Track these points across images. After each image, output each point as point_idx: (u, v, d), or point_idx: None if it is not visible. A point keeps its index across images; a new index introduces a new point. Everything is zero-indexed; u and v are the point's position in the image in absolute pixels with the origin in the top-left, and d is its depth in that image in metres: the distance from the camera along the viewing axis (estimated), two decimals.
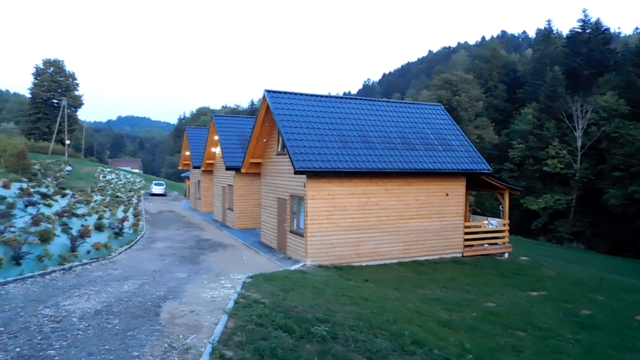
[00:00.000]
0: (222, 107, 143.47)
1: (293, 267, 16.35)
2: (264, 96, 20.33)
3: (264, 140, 21.53)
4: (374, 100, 23.35)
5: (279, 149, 20.03)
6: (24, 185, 25.59)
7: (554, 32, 78.09)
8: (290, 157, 17.12)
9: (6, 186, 23.07)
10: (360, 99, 22.93)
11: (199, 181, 37.62)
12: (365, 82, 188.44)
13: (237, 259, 18.16)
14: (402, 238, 18.82)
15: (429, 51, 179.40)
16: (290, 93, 20.75)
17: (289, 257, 18.39)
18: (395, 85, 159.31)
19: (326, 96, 23.03)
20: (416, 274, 17.04)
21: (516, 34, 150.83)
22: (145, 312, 9.19)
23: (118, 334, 7.63)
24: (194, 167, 37.12)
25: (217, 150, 30.66)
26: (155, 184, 56.43)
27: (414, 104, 24.09)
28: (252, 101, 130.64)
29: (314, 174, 17.04)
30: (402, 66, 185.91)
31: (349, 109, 21.06)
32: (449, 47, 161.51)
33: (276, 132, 20.23)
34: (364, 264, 17.86)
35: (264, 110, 20.45)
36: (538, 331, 11.68)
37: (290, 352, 6.82)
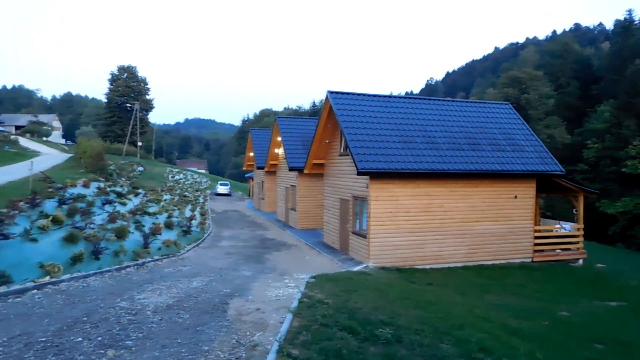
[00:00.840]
0: (284, 108, 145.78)
1: (355, 269, 16.33)
2: (326, 97, 20.46)
3: (327, 141, 21.65)
4: (438, 100, 22.88)
5: (342, 150, 20.07)
6: (101, 185, 27.22)
7: (635, 22, 72.94)
8: (353, 158, 17.11)
9: (86, 185, 24.64)
10: (424, 99, 22.56)
11: (262, 181, 38.43)
12: (427, 81, 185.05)
13: (300, 258, 18.38)
14: (467, 241, 18.29)
15: (495, 48, 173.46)
16: (353, 94, 20.75)
17: (351, 258, 18.38)
18: (459, 84, 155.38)
19: (389, 96, 22.84)
20: (482, 279, 16.51)
21: (591, 27, 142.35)
22: (213, 308, 9.49)
23: (189, 328, 7.93)
24: (258, 168, 37.95)
25: (280, 151, 31.18)
26: (221, 184, 58.25)
27: (480, 103, 23.38)
28: (314, 102, 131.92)
29: (377, 175, 16.93)
30: (467, 64, 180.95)
31: (412, 108, 20.76)
32: (517, 43, 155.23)
33: (339, 133, 20.29)
34: (427, 266, 17.52)
35: (326, 111, 20.57)
36: (619, 345, 10.95)
37: (355, 353, 6.81)
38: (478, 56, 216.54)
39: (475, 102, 23.34)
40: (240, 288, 11.78)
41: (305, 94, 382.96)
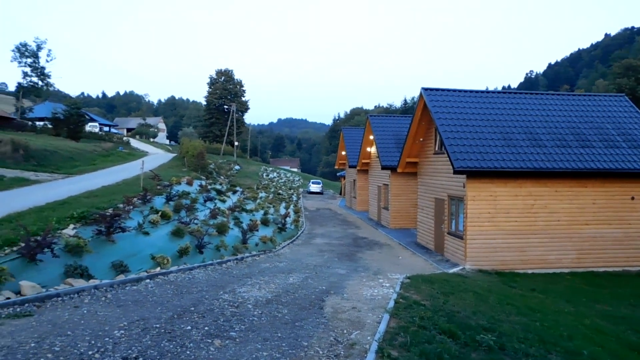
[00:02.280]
0: (375, 106, 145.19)
1: (451, 270, 15.84)
2: (420, 94, 20.04)
3: (421, 139, 21.21)
4: (541, 94, 21.55)
5: (437, 148, 19.55)
6: (203, 183, 28.88)
7: None
8: (449, 156, 16.60)
9: (189, 183, 26.27)
10: (525, 93, 21.33)
11: (354, 180, 38.56)
12: (527, 74, 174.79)
13: (394, 258, 18.18)
14: (575, 245, 17.00)
15: (606, 34, 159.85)
16: (448, 90, 20.15)
17: (447, 259, 17.85)
18: (563, 75, 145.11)
19: (486, 91, 21.88)
20: (593, 287, 15.24)
21: None
22: (310, 304, 9.65)
23: (287, 323, 8.13)
24: (350, 166, 38.15)
25: (372, 149, 31.08)
26: (313, 183, 59.34)
27: (589, 95, 21.62)
28: (405, 99, 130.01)
29: (475, 174, 16.29)
30: (572, 54, 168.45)
31: (512, 104, 19.71)
32: (632, 27, 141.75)
33: (433, 131, 19.79)
34: (529, 271, 16.54)
35: (420, 108, 20.15)
36: None
37: (456, 359, 6.58)
38: (585, 45, 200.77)
39: (584, 95, 21.61)
40: (335, 286, 11.88)
41: (396, 91, 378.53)
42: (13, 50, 72.78)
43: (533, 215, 16.77)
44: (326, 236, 23.31)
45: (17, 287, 8.30)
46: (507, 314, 10.20)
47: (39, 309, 7.73)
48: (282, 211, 29.16)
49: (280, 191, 46.29)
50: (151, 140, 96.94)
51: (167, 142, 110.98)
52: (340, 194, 56.15)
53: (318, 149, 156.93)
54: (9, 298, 7.82)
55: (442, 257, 18.29)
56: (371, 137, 30.23)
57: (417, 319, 8.33)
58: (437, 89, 20.04)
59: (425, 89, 19.84)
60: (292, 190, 51.79)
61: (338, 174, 60.36)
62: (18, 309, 7.53)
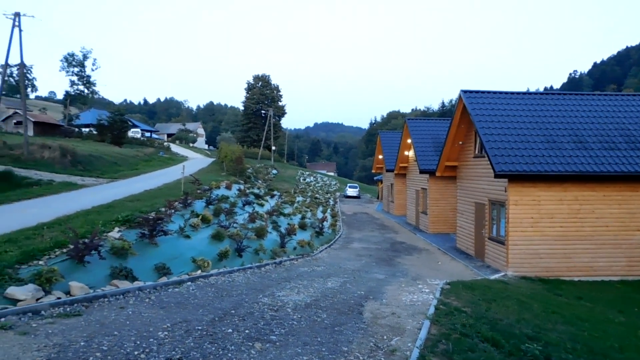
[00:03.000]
0: (412, 109, 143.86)
1: (493, 277, 15.48)
2: (459, 96, 19.72)
3: (460, 142, 20.85)
4: (586, 94, 20.85)
5: (477, 151, 19.17)
6: (241, 187, 29.27)
7: None
8: (489, 160, 16.25)
9: (228, 187, 26.68)
10: (569, 94, 20.67)
11: (392, 184, 38.27)
12: (570, 74, 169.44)
13: (433, 263, 17.91)
14: (625, 252, 16.30)
15: None
16: (487, 92, 19.75)
17: (488, 265, 17.45)
18: (610, 75, 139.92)
19: (528, 93, 21.37)
20: None
21: None
22: (349, 309, 9.61)
23: (327, 327, 8.11)
24: (387, 170, 37.89)
25: (410, 153, 30.78)
26: (350, 187, 59.24)
27: (639, 95, 20.71)
28: (443, 102, 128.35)
29: (517, 178, 15.87)
30: (619, 52, 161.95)
31: (556, 105, 19.14)
32: None
33: (473, 134, 19.42)
34: (575, 279, 15.96)
35: (459, 111, 19.82)
36: None
37: None
38: (634, 42, 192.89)
39: (633, 95, 20.74)
40: (374, 291, 11.79)
41: (433, 94, 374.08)
42: (61, 60, 76.05)
43: (579, 221, 16.19)
44: (364, 240, 23.20)
45: (67, 288, 8.60)
46: (553, 323, 9.87)
47: (87, 309, 7.99)
48: (319, 215, 29.21)
49: (317, 195, 46.42)
50: (190, 145, 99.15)
51: (206, 147, 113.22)
52: (378, 198, 55.83)
53: (354, 153, 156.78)
54: (59, 298, 8.12)
55: (483, 263, 17.89)
56: (409, 141, 29.95)
57: (459, 326, 8.17)
58: (476, 91, 19.68)
59: (465, 91, 19.51)
60: (329, 194, 51.85)
61: (375, 177, 60.05)
62: (68, 309, 7.80)
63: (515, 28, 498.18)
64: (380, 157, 41.43)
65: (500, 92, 19.83)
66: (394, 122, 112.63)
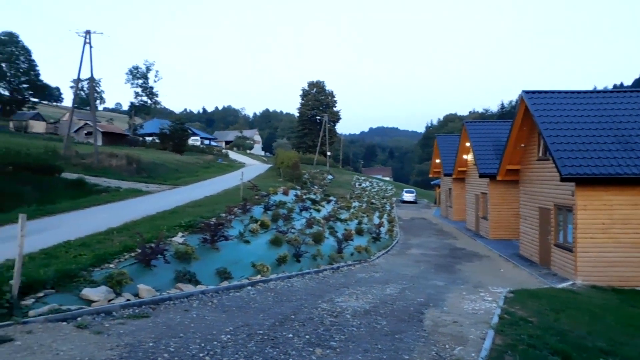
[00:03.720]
0: (470, 112, 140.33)
1: (560, 285, 14.75)
2: (520, 97, 19.05)
3: (522, 145, 20.10)
4: None
5: (541, 154, 18.41)
6: (298, 193, 29.59)
7: None
8: (554, 163, 15.55)
9: (285, 193, 27.04)
10: None
11: (449, 189, 37.44)
12: None
13: (494, 271, 17.33)
14: None
15: None
16: (551, 91, 18.96)
17: (554, 273, 16.66)
18: None
19: (595, 91, 20.32)
20: None
21: None
22: (409, 317, 9.45)
23: (387, 335, 8.01)
24: (445, 175, 37.11)
25: (469, 157, 30.01)
26: (406, 192, 58.53)
27: None
28: (503, 103, 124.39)
29: (585, 181, 15.09)
30: None
31: (627, 103, 18.07)
32: None
33: (536, 136, 18.67)
34: None
35: (521, 112, 19.13)
36: None
37: None
38: None
39: None
40: (434, 298, 11.55)
41: (492, 95, 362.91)
42: (127, 73, 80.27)
43: None
44: (422, 246, 22.80)
45: (135, 290, 8.99)
46: (630, 337, 9.27)
47: (154, 311, 8.31)
48: (376, 220, 29.01)
49: (373, 200, 46.17)
50: (247, 152, 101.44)
51: (263, 153, 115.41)
52: (435, 203, 54.79)
53: (410, 158, 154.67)
54: (129, 300, 8.50)
55: (549, 270, 17.10)
56: (467, 144, 29.21)
57: (526, 337, 7.84)
58: (539, 91, 18.92)
59: (527, 92, 18.81)
60: (385, 200, 51.44)
61: (432, 182, 58.99)
62: (137, 310, 8.15)
63: (579, 23, 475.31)
64: (438, 161, 40.67)
65: (565, 92, 18.98)
66: (450, 125, 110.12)
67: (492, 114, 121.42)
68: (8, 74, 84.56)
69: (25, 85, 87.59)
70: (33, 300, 7.50)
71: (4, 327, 6.39)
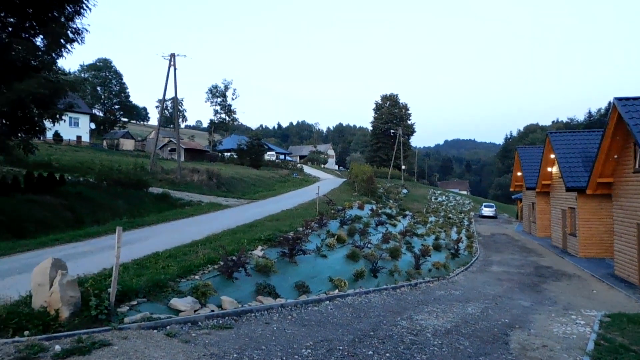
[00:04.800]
0: (553, 121, 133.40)
1: None
2: (612, 105, 17.81)
3: (615, 156, 18.72)
4: None
5: (637, 166, 17.04)
6: (373, 207, 29.40)
7: None
8: None
9: (361, 207, 26.98)
10: None
11: (533, 203, 35.59)
12: None
13: (586, 291, 16.17)
14: None
15: None
16: None
17: None
18: None
19: None
20: None
21: None
22: (493, 338, 9.03)
23: (471, 356, 7.69)
24: (527, 188, 35.35)
25: (554, 169, 28.40)
26: (485, 206, 56.34)
27: None
28: (590, 112, 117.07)
29: None
30: None
31: None
32: None
33: (631, 146, 17.33)
34: None
35: (613, 121, 17.86)
36: None
37: None
38: None
39: None
40: (520, 319, 10.95)
41: (576, 104, 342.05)
42: (207, 92, 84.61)
43: None
44: (503, 264, 21.78)
45: (219, 301, 9.30)
46: None
47: (236, 322, 8.54)
48: (454, 236, 28.15)
49: (450, 215, 44.90)
50: (322, 166, 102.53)
51: (336, 167, 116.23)
52: (517, 218, 52.24)
53: (489, 170, 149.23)
54: (213, 311, 8.80)
55: None
56: (552, 156, 27.66)
57: None
58: (634, 98, 17.56)
59: (619, 99, 17.54)
60: (462, 214, 49.85)
61: (513, 196, 56.33)
62: (220, 321, 8.41)
63: None
64: (519, 174, 38.83)
65: None
66: (532, 136, 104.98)
67: (579, 123, 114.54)
68: (102, 97, 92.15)
69: (116, 107, 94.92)
70: (127, 308, 7.96)
71: (103, 332, 6.83)
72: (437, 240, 23.77)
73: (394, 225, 25.17)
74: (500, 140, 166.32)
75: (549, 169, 29.39)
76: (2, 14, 19.29)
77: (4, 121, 19.11)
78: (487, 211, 54.30)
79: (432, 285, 15.46)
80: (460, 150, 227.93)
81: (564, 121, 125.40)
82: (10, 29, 19.41)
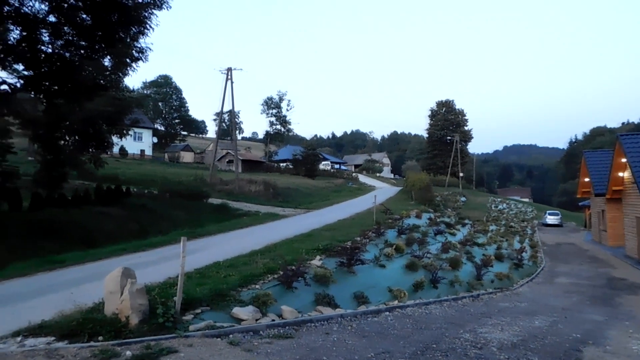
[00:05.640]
0: (622, 123, 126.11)
1: None
2: None
3: None
4: None
5: None
6: (431, 216, 28.84)
7: None
8: None
9: (418, 216, 26.54)
10: None
11: (602, 210, 33.67)
12: None
13: None
14: None
15: None
16: None
17: None
18: None
19: None
20: None
21: None
22: (564, 354, 8.55)
23: None
24: (596, 195, 33.54)
25: (625, 174, 26.78)
26: (549, 214, 53.89)
27: None
28: None
29: None
30: None
31: None
32: None
33: None
34: None
35: None
36: None
37: None
38: None
39: None
40: (593, 335, 10.32)
41: None
42: (262, 104, 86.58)
43: None
44: (572, 275, 20.69)
45: (278, 311, 9.38)
46: None
47: (296, 332, 8.56)
48: (517, 245, 27.09)
49: (512, 224, 43.31)
50: (377, 174, 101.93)
51: (391, 176, 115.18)
52: (585, 226, 49.58)
53: (552, 176, 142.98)
54: (273, 320, 8.88)
55: None
56: (623, 160, 26.08)
57: None
58: None
59: None
60: (525, 223, 47.93)
61: (580, 203, 53.51)
62: (281, 331, 8.47)
63: None
64: (587, 180, 36.89)
65: None
66: (599, 140, 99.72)
67: None
68: (163, 112, 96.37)
69: (176, 121, 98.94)
70: (192, 316, 8.18)
71: (169, 339, 7.05)
72: (499, 250, 22.95)
73: (453, 235, 24.53)
74: (564, 145, 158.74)
75: (620, 174, 27.73)
76: (75, 38, 20.62)
77: (76, 138, 20.35)
78: (551, 219, 51.91)
79: (495, 297, 14.92)
80: (521, 156, 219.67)
81: (636, 122, 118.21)
82: (81, 51, 20.69)
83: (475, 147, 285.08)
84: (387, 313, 10.94)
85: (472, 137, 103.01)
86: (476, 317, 11.49)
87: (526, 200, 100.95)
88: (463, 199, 61.55)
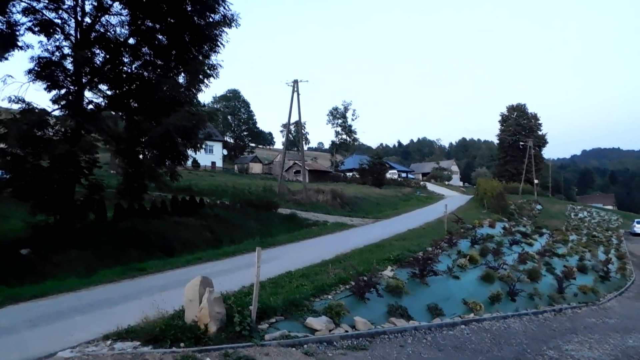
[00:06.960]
0: None
1: None
2: None
3: None
4: None
5: None
6: (506, 225, 27.64)
7: None
8: None
9: (492, 226, 25.51)
10: None
11: None
12: None
13: None
14: None
15: None
16: None
17: None
18: None
19: None
20: None
21: None
22: None
23: None
24: None
25: None
26: (638, 222, 49.97)
27: None
28: None
29: None
30: None
31: None
32: None
33: None
34: None
35: None
36: None
37: None
38: None
39: None
40: None
41: None
42: (327, 115, 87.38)
43: None
44: None
45: (351, 322, 9.30)
46: None
47: (370, 344, 8.45)
48: (601, 256, 25.36)
49: (594, 233, 40.59)
50: (445, 183, 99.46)
51: (461, 184, 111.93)
52: None
53: (639, 182, 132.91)
54: (347, 331, 8.82)
55: None
56: None
57: None
58: None
59: None
60: (609, 232, 44.76)
61: None
62: (355, 342, 8.38)
63: None
64: None
65: None
66: None
67: None
68: (232, 125, 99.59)
69: (245, 133, 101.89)
70: (267, 325, 8.29)
71: (246, 347, 7.18)
72: (582, 261, 21.54)
73: (530, 245, 23.32)
74: None
75: None
76: (152, 58, 21.87)
77: (154, 152, 21.41)
78: None
79: (580, 312, 14.03)
80: (602, 160, 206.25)
81: None
82: (158, 70, 21.88)
83: (550, 152, 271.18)
84: (463, 326, 10.57)
85: (547, 142, 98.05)
86: (560, 333, 10.86)
87: (609, 207, 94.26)
88: (539, 207, 58.57)
